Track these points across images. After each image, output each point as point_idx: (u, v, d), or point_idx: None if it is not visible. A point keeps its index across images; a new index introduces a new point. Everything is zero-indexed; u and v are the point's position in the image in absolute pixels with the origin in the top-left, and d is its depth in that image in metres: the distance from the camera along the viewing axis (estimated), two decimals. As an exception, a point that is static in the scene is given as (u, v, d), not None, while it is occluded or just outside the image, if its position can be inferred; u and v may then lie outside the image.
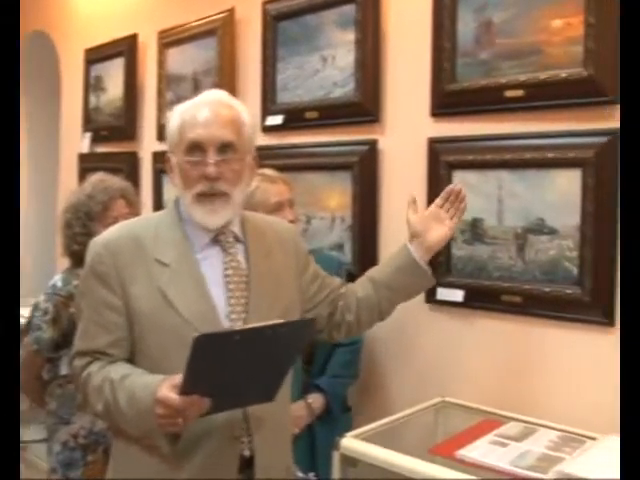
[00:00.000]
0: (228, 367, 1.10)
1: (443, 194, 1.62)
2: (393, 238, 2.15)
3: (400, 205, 2.07)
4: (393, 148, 2.14)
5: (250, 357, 1.11)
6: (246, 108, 1.41)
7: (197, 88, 2.67)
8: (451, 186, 1.64)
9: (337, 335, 1.59)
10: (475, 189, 1.95)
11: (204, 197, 1.32)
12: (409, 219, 1.61)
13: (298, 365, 1.88)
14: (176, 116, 1.35)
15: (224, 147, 1.32)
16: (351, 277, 2.01)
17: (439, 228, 1.59)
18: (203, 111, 1.32)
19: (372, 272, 1.63)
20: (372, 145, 2.16)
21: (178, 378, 1.14)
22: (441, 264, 2.00)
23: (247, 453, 1.33)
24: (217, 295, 1.33)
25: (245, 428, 1.31)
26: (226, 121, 1.33)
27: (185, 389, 1.11)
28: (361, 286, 1.60)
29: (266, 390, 1.20)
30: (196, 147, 1.31)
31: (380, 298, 1.58)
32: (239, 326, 1.29)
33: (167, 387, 1.15)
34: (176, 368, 1.15)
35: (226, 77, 2.62)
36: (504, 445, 1.61)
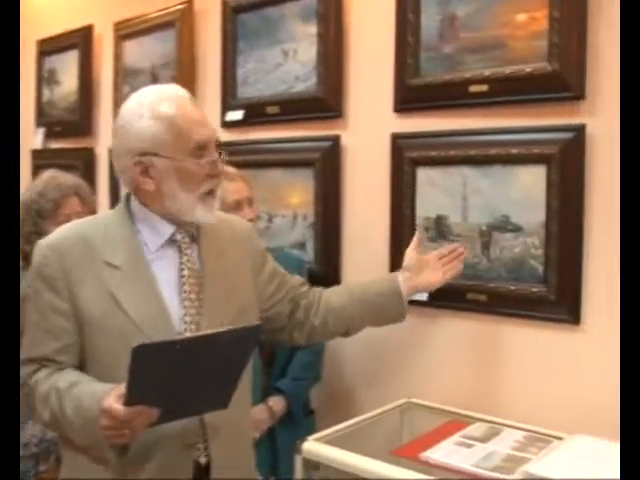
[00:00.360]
0: (173, 376, 1.08)
1: (446, 249, 1.70)
2: (356, 236, 2.11)
3: (363, 203, 2.11)
4: (356, 144, 2.10)
5: (196, 365, 1.09)
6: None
7: (155, 82, 2.58)
8: (456, 245, 1.72)
9: (298, 336, 1.56)
10: (439, 186, 1.92)
11: (208, 196, 1.31)
12: (408, 253, 1.67)
13: (258, 367, 1.82)
14: (157, 116, 1.26)
15: (216, 145, 1.33)
16: (313, 276, 1.99)
17: (432, 274, 1.65)
18: (191, 109, 1.29)
19: (352, 287, 1.65)
20: (335, 141, 2.12)
21: (124, 387, 1.10)
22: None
23: (203, 460, 1.30)
24: (170, 297, 1.29)
25: (201, 435, 1.29)
26: (207, 118, 1.33)
27: (129, 399, 1.08)
28: (336, 295, 1.60)
29: (219, 397, 1.18)
30: (202, 147, 1.29)
31: (354, 314, 1.58)
32: (192, 330, 1.27)
33: (113, 397, 1.11)
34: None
35: (185, 70, 2.55)
36: (469, 446, 1.59)
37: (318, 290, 1.60)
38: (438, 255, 1.68)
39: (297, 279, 1.59)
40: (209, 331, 1.12)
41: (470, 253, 1.86)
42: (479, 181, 1.85)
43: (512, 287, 1.81)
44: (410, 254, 1.66)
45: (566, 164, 1.69)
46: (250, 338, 1.17)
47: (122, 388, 1.10)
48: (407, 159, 1.97)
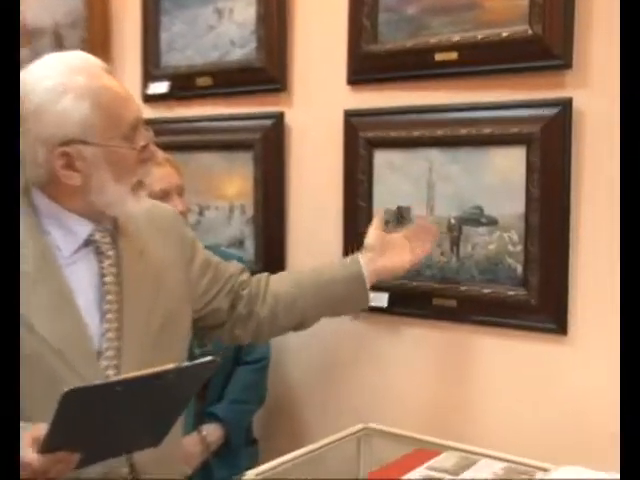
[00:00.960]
0: (104, 418, 1.00)
1: (414, 228, 1.56)
2: (303, 232, 1.89)
3: (312, 192, 1.94)
4: (303, 122, 1.89)
5: (133, 406, 1.03)
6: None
7: (60, 45, 2.31)
8: (425, 222, 1.60)
9: (241, 334, 1.44)
10: (401, 172, 1.71)
11: (138, 185, 1.21)
12: (371, 232, 1.53)
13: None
14: (79, 94, 1.12)
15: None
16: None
17: (398, 255, 1.51)
18: (114, 82, 1.17)
19: (305, 271, 1.52)
20: (278, 119, 1.91)
21: (42, 428, 0.98)
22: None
23: None
24: (89, 310, 1.18)
25: (128, 472, 1.19)
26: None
27: (48, 446, 0.98)
28: (281, 283, 1.47)
29: (153, 435, 1.10)
30: (134, 128, 1.18)
31: (306, 304, 1.45)
32: (114, 348, 1.18)
33: (27, 441, 0.98)
34: (43, 408, 0.98)
35: (96, 32, 2.27)
36: (438, 481, 1.38)
37: (263, 276, 1.47)
38: (405, 234, 1.54)
39: (235, 266, 1.45)
40: (155, 369, 1.02)
41: (437, 251, 1.65)
42: (447, 166, 1.64)
43: (486, 290, 1.60)
44: (373, 233, 1.52)
45: (549, 145, 1.50)
46: (200, 374, 1.11)
47: (38, 429, 0.98)
48: (363, 140, 1.75)
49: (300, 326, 1.48)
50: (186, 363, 1.11)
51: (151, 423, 1.10)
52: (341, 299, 1.47)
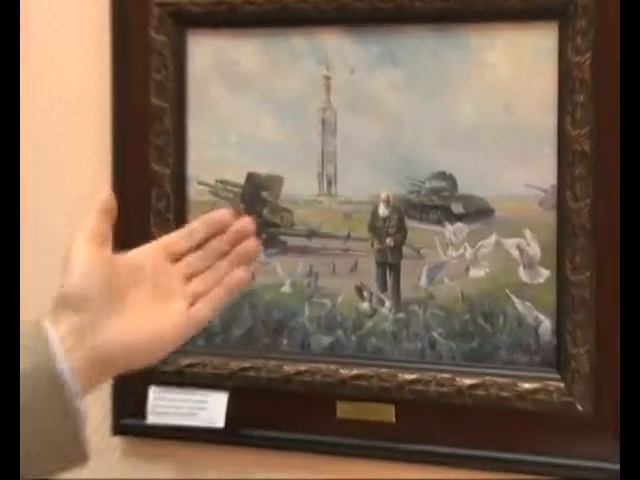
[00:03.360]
0: None
1: (198, 224, 0.54)
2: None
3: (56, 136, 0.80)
4: None
5: None
6: None
7: None
8: (226, 212, 0.55)
9: None
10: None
11: None
12: (78, 252, 0.49)
13: None
14: None
15: None
16: None
17: (158, 310, 0.50)
18: None
19: None
20: None
21: None
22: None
23: None
24: None
25: None
26: None
27: None
28: None
29: None
30: None
31: None
32: None
33: None
34: None
35: None
36: None
37: None
38: (176, 244, 0.53)
39: None
40: None
41: (333, 283, 0.69)
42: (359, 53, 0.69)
43: (468, 381, 0.66)
44: (83, 254, 0.48)
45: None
46: None
47: None
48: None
49: None
50: None
51: None
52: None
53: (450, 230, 0.66)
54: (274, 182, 0.68)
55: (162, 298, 0.50)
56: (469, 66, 0.64)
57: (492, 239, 0.65)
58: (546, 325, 0.64)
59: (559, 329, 0.63)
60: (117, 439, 0.71)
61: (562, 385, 0.63)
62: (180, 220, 0.69)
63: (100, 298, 0.46)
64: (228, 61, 0.69)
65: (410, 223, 0.67)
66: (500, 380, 0.64)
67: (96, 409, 0.64)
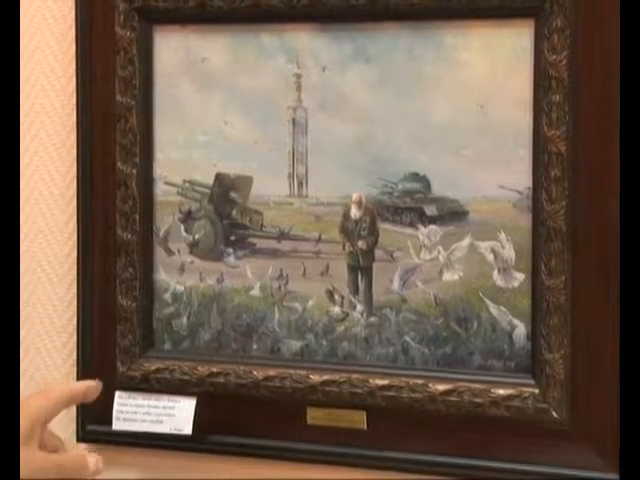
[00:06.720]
0: None
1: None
2: None
3: None
4: None
5: None
6: None
7: None
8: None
9: None
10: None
11: None
12: None
13: None
14: None
15: None
16: None
17: None
18: None
19: None
20: None
21: None
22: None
23: None
24: None
25: None
26: None
27: None
28: None
29: None
30: None
31: None
32: None
33: None
34: None
35: None
36: None
37: None
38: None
39: None
40: None
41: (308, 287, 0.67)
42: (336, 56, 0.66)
43: (441, 387, 0.65)
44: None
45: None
46: None
47: None
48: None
49: None
50: None
51: None
52: None
53: (424, 233, 0.64)
54: (243, 183, 0.66)
55: None
56: (443, 65, 0.63)
57: (466, 242, 0.64)
58: (521, 330, 0.63)
59: (534, 334, 0.62)
60: (82, 446, 0.70)
61: (537, 391, 0.62)
62: (146, 221, 0.67)
63: None
64: (196, 58, 0.67)
65: (382, 225, 0.65)
66: (474, 386, 0.63)
67: (61, 415, 0.62)
